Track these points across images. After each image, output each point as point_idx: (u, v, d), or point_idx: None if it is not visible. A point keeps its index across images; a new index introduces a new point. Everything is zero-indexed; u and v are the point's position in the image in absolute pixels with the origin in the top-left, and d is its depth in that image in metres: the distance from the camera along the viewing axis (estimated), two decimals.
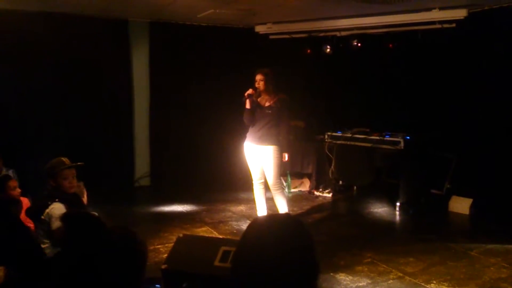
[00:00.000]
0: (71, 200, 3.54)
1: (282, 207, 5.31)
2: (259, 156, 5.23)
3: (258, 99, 5.22)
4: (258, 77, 5.14)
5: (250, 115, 5.20)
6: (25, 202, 4.32)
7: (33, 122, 6.59)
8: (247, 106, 5.17)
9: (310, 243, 1.34)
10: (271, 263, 1.26)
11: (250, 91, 5.12)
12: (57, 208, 3.43)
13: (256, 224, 1.38)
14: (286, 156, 5.23)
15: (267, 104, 5.19)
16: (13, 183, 4.27)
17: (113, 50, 7.18)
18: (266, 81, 5.12)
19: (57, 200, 3.46)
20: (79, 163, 3.72)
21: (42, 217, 3.42)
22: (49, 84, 6.70)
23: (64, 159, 3.68)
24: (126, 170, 7.53)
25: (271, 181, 5.21)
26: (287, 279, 1.26)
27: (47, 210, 3.42)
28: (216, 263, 3.24)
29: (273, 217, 1.45)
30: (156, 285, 2.65)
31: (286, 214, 1.44)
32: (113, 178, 7.17)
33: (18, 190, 4.27)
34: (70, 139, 6.70)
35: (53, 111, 6.75)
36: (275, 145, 5.15)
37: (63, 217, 1.49)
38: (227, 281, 1.39)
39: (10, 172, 5.40)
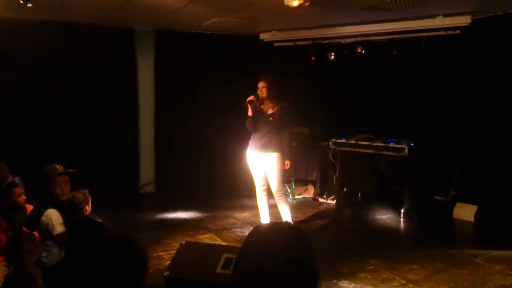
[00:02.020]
0: (64, 207, 3.53)
1: (286, 214, 5.32)
2: (262, 163, 5.25)
3: (262, 106, 5.25)
4: (261, 84, 5.17)
5: (252, 122, 5.23)
6: (30, 209, 4.35)
7: (39, 130, 6.64)
8: (249, 113, 5.20)
9: (310, 252, 1.35)
10: (271, 271, 1.27)
11: (251, 97, 5.14)
12: (53, 214, 3.44)
13: (257, 233, 1.39)
14: (288, 164, 5.24)
15: (270, 111, 5.21)
16: (19, 190, 4.31)
17: (119, 58, 7.26)
18: (268, 88, 5.14)
19: (50, 206, 3.46)
20: (70, 170, 3.70)
21: (40, 226, 3.43)
22: (55, 92, 6.78)
23: (58, 166, 3.66)
24: (131, 177, 7.58)
25: (274, 188, 5.22)
26: None
27: (42, 218, 3.43)
28: (218, 270, 3.26)
29: (274, 226, 1.46)
30: None
31: (287, 223, 1.45)
32: (118, 185, 7.20)
33: (24, 197, 4.30)
34: (75, 147, 6.76)
35: (59, 119, 6.82)
36: (278, 152, 5.16)
37: (67, 223, 1.51)
38: None
39: (16, 179, 5.45)
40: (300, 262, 1.31)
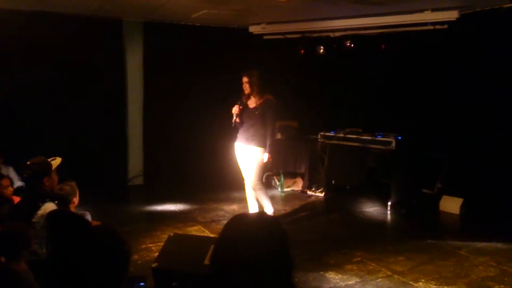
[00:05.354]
0: (58, 199, 3.52)
1: (266, 205, 5.35)
2: (247, 156, 5.29)
3: (247, 101, 5.27)
4: (244, 79, 5.22)
5: (237, 125, 5.33)
6: (17, 201, 4.32)
7: (27, 121, 6.55)
8: (236, 119, 5.27)
9: (285, 241, 1.38)
10: (245, 259, 1.30)
11: (236, 110, 5.19)
12: (52, 208, 3.40)
13: (232, 222, 1.42)
14: (268, 157, 5.22)
15: (253, 105, 5.25)
16: (5, 182, 4.29)
17: (107, 50, 7.20)
18: (250, 83, 5.18)
19: (47, 200, 3.42)
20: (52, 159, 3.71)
21: (34, 220, 3.32)
22: (43, 83, 6.70)
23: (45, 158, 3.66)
24: (119, 169, 7.55)
25: (251, 181, 5.27)
26: (261, 276, 1.30)
27: (39, 212, 3.30)
28: (206, 261, 3.27)
29: (250, 215, 1.48)
30: (141, 283, 2.66)
31: (261, 212, 1.47)
32: (107, 177, 7.18)
33: (10, 189, 4.28)
34: (64, 138, 6.70)
35: (47, 111, 6.74)
36: (261, 147, 5.20)
37: (47, 216, 1.50)
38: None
39: (10, 170, 5.43)
40: (273, 248, 1.34)
